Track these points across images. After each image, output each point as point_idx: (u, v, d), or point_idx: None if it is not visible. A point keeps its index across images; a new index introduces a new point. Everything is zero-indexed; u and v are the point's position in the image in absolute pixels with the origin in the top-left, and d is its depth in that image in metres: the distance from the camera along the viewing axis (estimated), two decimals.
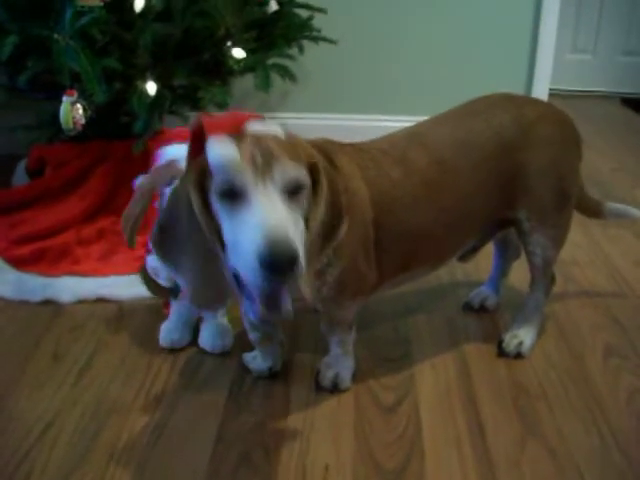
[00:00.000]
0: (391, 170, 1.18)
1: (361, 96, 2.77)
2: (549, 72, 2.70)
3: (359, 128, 2.52)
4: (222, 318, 1.45)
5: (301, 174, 0.91)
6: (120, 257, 1.79)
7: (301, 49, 1.95)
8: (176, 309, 1.46)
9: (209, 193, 0.91)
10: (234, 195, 0.88)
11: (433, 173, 1.21)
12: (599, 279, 1.74)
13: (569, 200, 1.33)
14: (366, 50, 2.68)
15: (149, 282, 1.39)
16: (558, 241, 1.35)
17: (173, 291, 1.40)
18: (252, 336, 1.30)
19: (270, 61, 1.81)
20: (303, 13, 1.94)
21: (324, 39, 1.86)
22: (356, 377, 1.32)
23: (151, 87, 1.55)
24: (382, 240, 1.17)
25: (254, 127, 0.93)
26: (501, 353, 1.41)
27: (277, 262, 0.80)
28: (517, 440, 1.16)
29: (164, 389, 1.31)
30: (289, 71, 1.79)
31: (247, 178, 0.87)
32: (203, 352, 1.42)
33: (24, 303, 1.60)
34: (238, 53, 1.64)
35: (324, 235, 0.99)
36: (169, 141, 1.38)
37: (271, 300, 0.90)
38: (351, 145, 1.19)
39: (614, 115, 3.51)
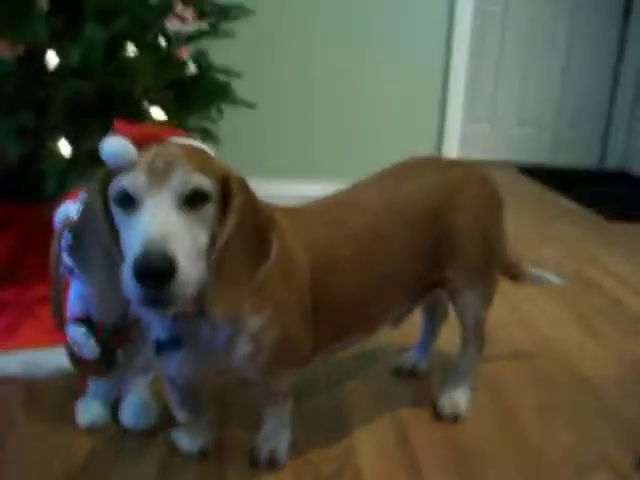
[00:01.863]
0: (327, 234, 1.16)
1: (280, 160, 2.79)
2: (456, 140, 2.84)
3: (278, 195, 2.52)
4: (145, 392, 1.35)
5: (204, 183, 0.87)
6: (26, 331, 1.64)
7: (220, 112, 1.94)
8: (94, 384, 1.35)
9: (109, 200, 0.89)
10: (129, 202, 0.86)
11: (368, 237, 1.20)
12: (521, 338, 1.78)
13: (495, 259, 1.35)
14: (283, 114, 2.71)
15: (73, 357, 1.27)
16: (487, 299, 1.37)
17: (101, 366, 1.28)
18: (179, 414, 1.21)
19: (189, 123, 1.78)
20: (221, 77, 1.93)
21: (243, 102, 1.85)
22: (294, 449, 1.24)
23: (64, 147, 1.46)
24: (318, 307, 1.13)
25: (173, 140, 0.92)
26: (438, 416, 1.39)
27: (148, 273, 0.78)
28: None
29: (86, 471, 1.18)
30: (211, 133, 1.76)
31: (141, 183, 0.84)
32: (125, 430, 1.30)
33: None
34: (157, 113, 1.59)
35: (251, 255, 0.94)
36: (62, 201, 1.31)
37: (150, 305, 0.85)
38: (284, 208, 1.16)
39: (512, 182, 3.72)
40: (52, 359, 1.54)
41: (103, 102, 1.53)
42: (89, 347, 1.24)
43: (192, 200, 0.86)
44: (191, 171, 0.86)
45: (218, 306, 0.91)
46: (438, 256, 1.28)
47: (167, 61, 1.66)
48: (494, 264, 1.36)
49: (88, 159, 1.60)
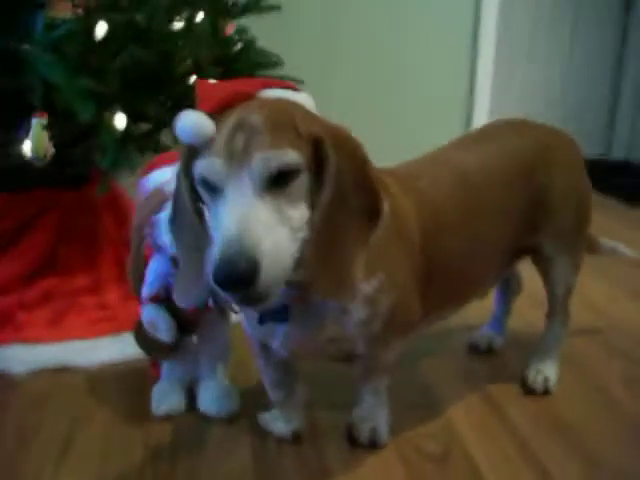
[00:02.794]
0: (432, 194, 1.10)
1: None
2: None
3: None
4: (223, 378, 1.26)
5: (290, 158, 0.76)
6: (72, 322, 1.54)
7: None
8: (168, 369, 1.26)
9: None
10: (211, 187, 0.79)
11: (468, 198, 1.14)
12: (585, 316, 1.72)
13: (586, 224, 1.31)
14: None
15: (145, 339, 1.18)
16: (577, 267, 1.32)
17: (172, 349, 1.20)
18: (274, 394, 1.13)
19: None
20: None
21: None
22: (391, 428, 1.17)
23: (120, 120, 1.37)
24: (427, 270, 1.06)
25: (262, 97, 0.83)
26: (528, 391, 1.33)
27: (227, 281, 0.71)
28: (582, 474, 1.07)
29: (174, 465, 1.08)
30: None
31: (219, 169, 0.76)
32: (206, 418, 1.21)
33: None
34: None
35: (358, 222, 0.84)
36: (152, 168, 1.22)
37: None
38: (382, 168, 1.09)
39: None
40: (104, 348, 1.45)
41: (158, 74, 1.45)
42: (166, 329, 1.15)
43: (278, 179, 0.76)
44: (274, 147, 0.75)
45: (321, 286, 0.82)
46: (532, 219, 1.22)
47: (216, 35, 1.58)
48: (585, 230, 1.31)
49: (143, 132, 1.53)
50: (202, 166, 0.78)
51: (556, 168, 1.22)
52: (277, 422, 1.16)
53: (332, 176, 0.80)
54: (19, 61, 1.17)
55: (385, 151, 0.86)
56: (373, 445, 1.13)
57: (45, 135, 1.22)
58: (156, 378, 1.26)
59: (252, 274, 0.71)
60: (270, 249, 0.73)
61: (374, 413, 1.14)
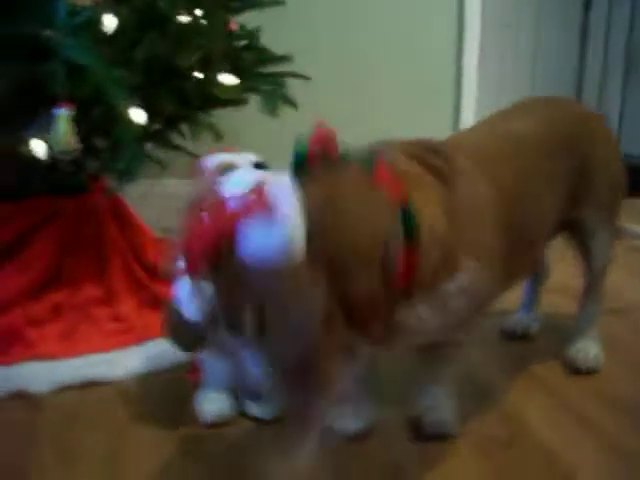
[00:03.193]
0: (500, 168, 1.05)
1: None
2: None
3: None
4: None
5: None
6: (86, 335, 1.43)
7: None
8: (211, 372, 1.17)
9: None
10: None
11: (528, 170, 1.11)
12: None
13: (622, 199, 1.31)
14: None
15: (176, 327, 1.08)
16: (613, 242, 1.32)
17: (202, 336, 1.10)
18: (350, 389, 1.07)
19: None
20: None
21: (300, 76, 1.72)
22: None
23: (138, 115, 1.29)
24: (502, 246, 1.02)
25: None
26: (574, 370, 1.31)
27: None
28: None
29: (235, 472, 1.01)
30: (288, 98, 1.60)
31: None
32: (258, 420, 1.14)
33: None
34: (227, 79, 1.44)
35: None
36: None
37: None
38: (453, 142, 1.06)
39: None
40: (128, 360, 1.36)
41: (171, 67, 1.38)
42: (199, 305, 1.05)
43: None
44: None
45: None
46: (576, 191, 1.20)
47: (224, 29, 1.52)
48: (620, 206, 1.31)
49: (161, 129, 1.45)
50: None
51: (597, 140, 1.22)
52: (346, 419, 1.09)
53: None
54: (39, 47, 1.08)
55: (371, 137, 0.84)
56: (441, 437, 1.09)
57: (71, 127, 1.12)
58: (198, 384, 1.18)
59: None
60: None
61: (442, 403, 1.09)
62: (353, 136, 0.78)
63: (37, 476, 0.99)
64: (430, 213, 0.83)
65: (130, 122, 1.26)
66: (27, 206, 1.50)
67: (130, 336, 1.43)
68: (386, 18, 2.79)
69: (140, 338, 1.41)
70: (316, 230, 0.69)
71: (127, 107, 1.21)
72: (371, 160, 0.81)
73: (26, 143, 1.27)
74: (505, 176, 1.04)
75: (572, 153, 1.18)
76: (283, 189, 0.69)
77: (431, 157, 0.90)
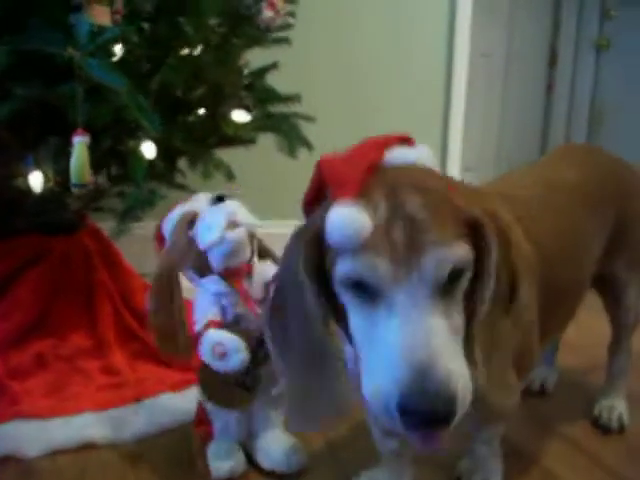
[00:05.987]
0: (538, 219, 1.01)
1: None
2: None
3: None
4: (280, 427, 1.10)
5: (460, 254, 0.64)
6: (76, 389, 1.29)
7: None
8: (222, 425, 1.07)
9: (328, 270, 0.66)
10: (365, 289, 0.64)
11: (565, 221, 1.07)
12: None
13: None
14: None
15: (216, 384, 0.99)
16: None
17: (243, 387, 1.01)
18: (387, 444, 0.97)
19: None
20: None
21: (303, 117, 1.65)
22: None
23: (149, 148, 1.19)
24: (545, 304, 0.97)
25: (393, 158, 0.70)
26: (604, 429, 1.25)
27: (425, 413, 0.58)
28: None
29: None
30: (305, 139, 1.51)
31: (384, 272, 0.62)
32: (271, 474, 1.04)
33: None
34: (239, 116, 1.36)
35: (505, 304, 0.73)
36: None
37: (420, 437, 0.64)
38: (497, 192, 1.00)
39: None
40: (127, 419, 1.22)
41: (179, 100, 1.30)
42: (236, 349, 0.96)
43: (449, 282, 0.64)
44: (444, 242, 0.63)
45: (496, 396, 0.75)
46: (610, 246, 1.17)
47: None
48: None
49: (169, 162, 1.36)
50: (358, 267, 0.63)
51: (631, 195, 1.20)
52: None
53: (494, 267, 0.68)
54: (57, 67, 0.97)
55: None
56: None
57: (87, 157, 1.01)
58: (208, 437, 1.07)
59: (451, 412, 0.59)
60: (461, 377, 0.61)
61: (487, 464, 1.01)
62: None
63: None
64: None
65: (141, 157, 1.17)
66: (12, 245, 1.37)
67: (125, 391, 1.29)
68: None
69: (137, 394, 1.28)
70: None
71: (141, 140, 1.12)
72: None
73: (24, 176, 1.16)
74: (547, 235, 0.99)
75: (612, 205, 1.16)
76: None
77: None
